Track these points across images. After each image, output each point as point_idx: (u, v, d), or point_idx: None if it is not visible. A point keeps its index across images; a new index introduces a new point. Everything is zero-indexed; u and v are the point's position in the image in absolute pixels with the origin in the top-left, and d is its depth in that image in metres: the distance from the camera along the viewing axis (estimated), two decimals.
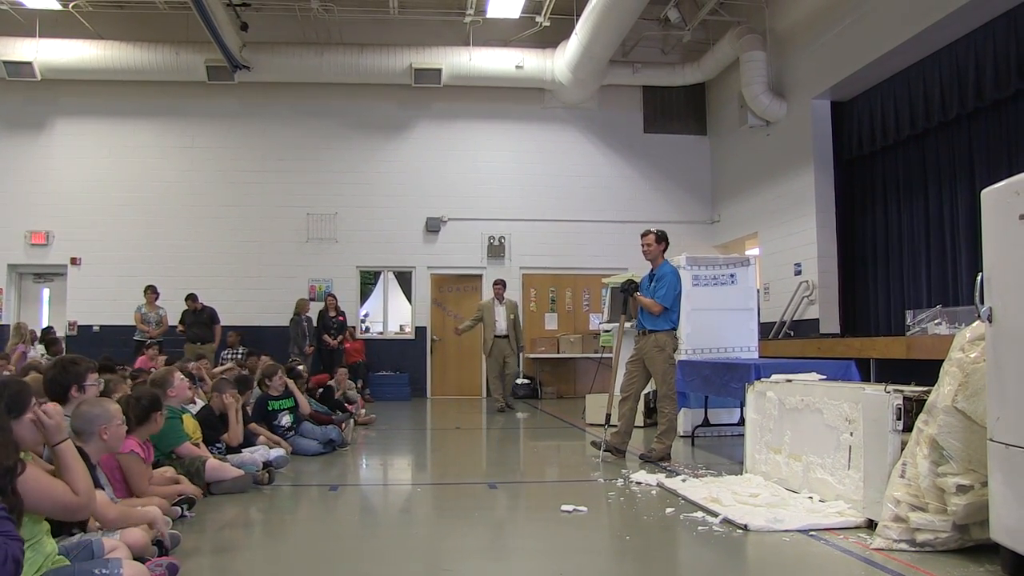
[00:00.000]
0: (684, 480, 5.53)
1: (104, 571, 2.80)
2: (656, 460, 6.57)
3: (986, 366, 3.50)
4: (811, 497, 4.69)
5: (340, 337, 13.33)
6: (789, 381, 5.33)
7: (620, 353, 7.74)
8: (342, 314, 13.54)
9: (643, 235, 7.03)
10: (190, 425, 5.65)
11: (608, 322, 10.21)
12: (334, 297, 13.60)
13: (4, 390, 2.77)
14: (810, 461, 4.85)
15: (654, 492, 5.36)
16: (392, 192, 14.58)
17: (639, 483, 5.60)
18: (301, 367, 9.12)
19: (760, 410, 5.56)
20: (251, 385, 7.33)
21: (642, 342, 6.92)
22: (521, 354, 11.90)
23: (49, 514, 2.79)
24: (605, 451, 6.79)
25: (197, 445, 5.58)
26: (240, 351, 12.61)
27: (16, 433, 2.72)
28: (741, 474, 5.67)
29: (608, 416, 7.38)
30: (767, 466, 5.38)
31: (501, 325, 11.72)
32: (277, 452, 6.51)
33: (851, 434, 4.44)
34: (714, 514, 4.48)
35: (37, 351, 11.17)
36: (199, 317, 12.59)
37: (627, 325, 7.47)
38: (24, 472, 2.58)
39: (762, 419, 5.52)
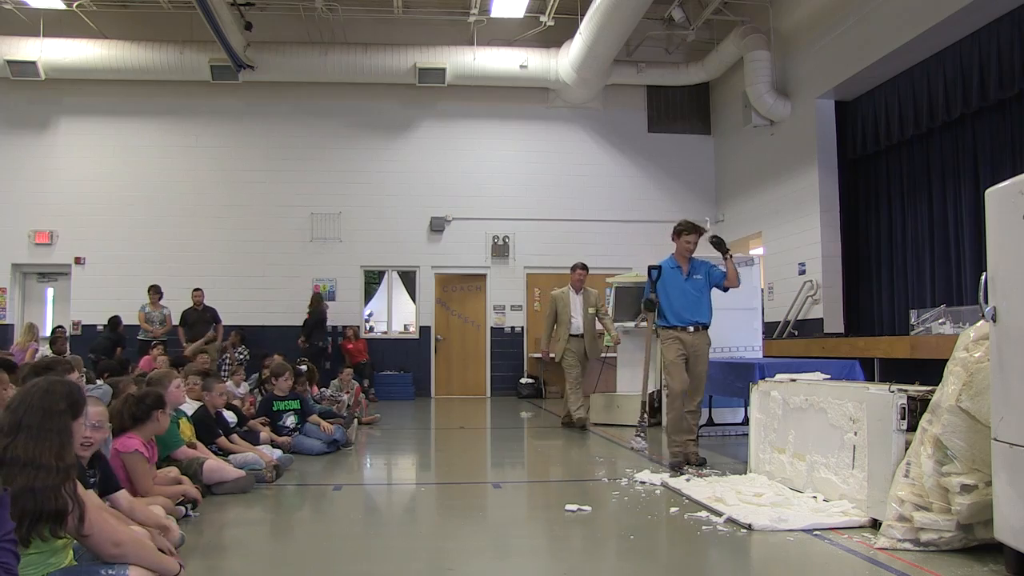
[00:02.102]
0: (688, 480, 5.53)
1: (110, 572, 2.81)
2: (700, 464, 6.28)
3: (990, 366, 3.50)
4: (815, 497, 4.68)
5: (301, 337, 12.98)
6: (793, 381, 5.33)
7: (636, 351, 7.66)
8: (310, 313, 13.25)
9: (694, 231, 6.59)
10: (187, 430, 5.66)
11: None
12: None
13: (67, 390, 2.78)
14: (814, 461, 4.85)
15: (658, 492, 5.36)
16: (396, 191, 14.59)
17: (643, 483, 5.60)
18: (304, 367, 9.12)
19: (764, 410, 5.55)
20: (219, 377, 7.36)
21: (692, 338, 6.47)
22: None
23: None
24: (672, 467, 6.23)
25: (194, 446, 5.58)
26: (242, 350, 12.61)
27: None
28: (745, 473, 5.67)
29: (645, 417, 7.18)
30: (771, 465, 5.37)
31: (577, 322, 9.34)
32: (279, 452, 6.52)
33: (855, 434, 4.44)
34: (718, 513, 4.48)
35: (42, 350, 11.22)
36: (201, 316, 12.59)
37: (634, 323, 7.29)
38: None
39: (766, 419, 5.51)
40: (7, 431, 2.63)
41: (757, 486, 5.08)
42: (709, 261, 6.73)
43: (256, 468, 5.69)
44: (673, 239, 6.71)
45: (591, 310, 9.34)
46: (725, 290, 6.72)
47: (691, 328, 6.48)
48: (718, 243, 6.56)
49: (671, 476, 5.70)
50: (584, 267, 9.48)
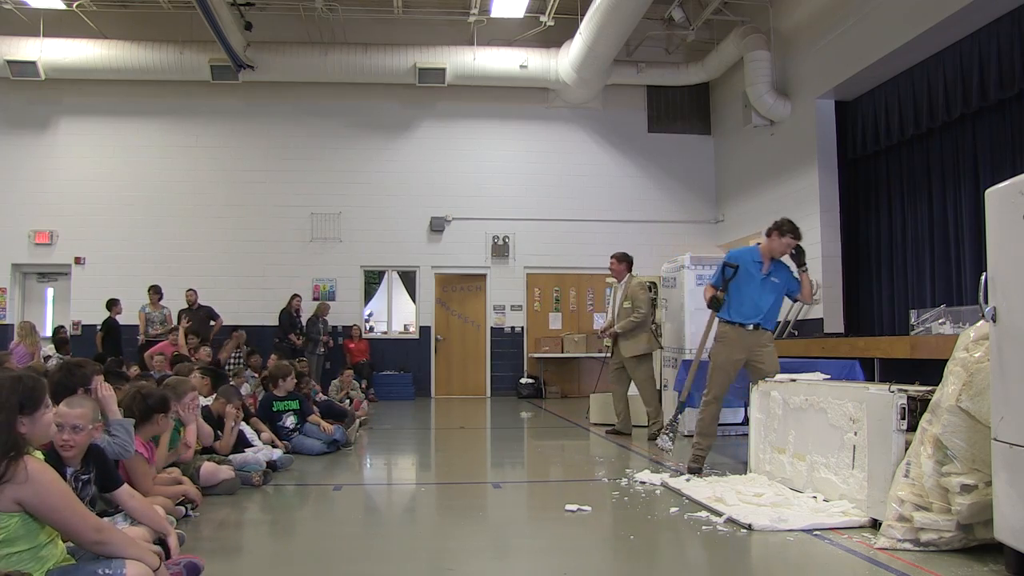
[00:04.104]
0: (688, 480, 5.52)
1: (107, 571, 2.80)
2: None
3: (990, 366, 3.50)
4: (815, 497, 4.68)
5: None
6: (793, 381, 5.32)
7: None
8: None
9: (797, 236, 6.26)
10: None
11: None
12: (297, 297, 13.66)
13: (19, 385, 2.77)
14: (814, 461, 4.84)
15: (658, 492, 5.36)
16: (396, 191, 14.60)
17: (643, 483, 5.59)
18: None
19: (764, 410, 5.55)
20: (224, 380, 7.35)
21: (752, 337, 6.05)
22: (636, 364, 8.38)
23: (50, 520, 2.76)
24: (691, 471, 5.92)
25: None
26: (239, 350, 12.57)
27: (28, 429, 2.74)
28: (745, 474, 5.66)
29: (677, 417, 6.81)
30: (771, 466, 5.37)
31: (609, 316, 8.64)
32: (279, 452, 6.52)
33: (855, 434, 4.44)
34: (718, 514, 4.48)
35: (42, 350, 11.17)
36: (196, 315, 12.56)
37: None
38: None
39: (766, 419, 5.51)
40: None
41: (757, 486, 5.07)
42: (789, 268, 6.34)
43: (254, 469, 5.69)
44: (769, 235, 6.30)
45: (627, 304, 8.27)
46: (795, 301, 6.35)
47: (750, 327, 6.06)
48: (799, 254, 6.24)
49: (687, 477, 5.66)
50: (616, 257, 8.61)
